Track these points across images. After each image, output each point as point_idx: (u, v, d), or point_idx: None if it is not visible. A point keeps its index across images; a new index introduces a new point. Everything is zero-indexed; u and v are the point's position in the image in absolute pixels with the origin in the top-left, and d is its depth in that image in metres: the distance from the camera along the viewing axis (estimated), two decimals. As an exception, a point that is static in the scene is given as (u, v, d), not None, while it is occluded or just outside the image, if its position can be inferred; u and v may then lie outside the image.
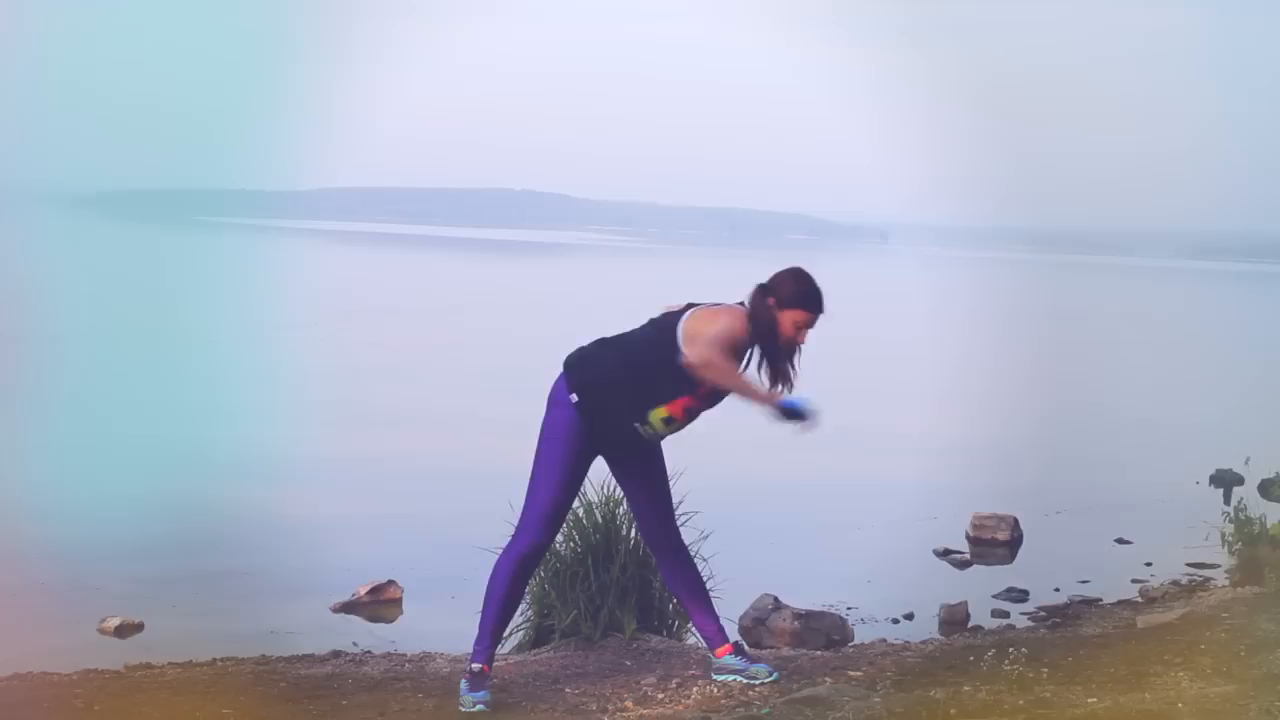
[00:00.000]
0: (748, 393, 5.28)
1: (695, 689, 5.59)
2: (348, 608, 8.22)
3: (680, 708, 5.38)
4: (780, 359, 5.37)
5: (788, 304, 5.34)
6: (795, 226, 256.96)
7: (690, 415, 5.40)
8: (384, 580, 8.43)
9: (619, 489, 6.27)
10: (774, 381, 5.39)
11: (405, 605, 8.34)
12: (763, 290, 5.36)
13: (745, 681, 5.59)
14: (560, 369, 5.46)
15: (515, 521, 5.56)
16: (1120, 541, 10.53)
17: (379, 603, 8.29)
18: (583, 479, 5.60)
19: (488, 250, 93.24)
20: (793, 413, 5.29)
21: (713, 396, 5.37)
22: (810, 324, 5.39)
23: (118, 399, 16.95)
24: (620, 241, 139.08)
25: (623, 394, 5.33)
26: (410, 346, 24.81)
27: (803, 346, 5.42)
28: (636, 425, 5.36)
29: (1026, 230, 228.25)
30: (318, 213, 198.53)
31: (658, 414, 5.34)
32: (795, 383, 5.41)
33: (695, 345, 5.23)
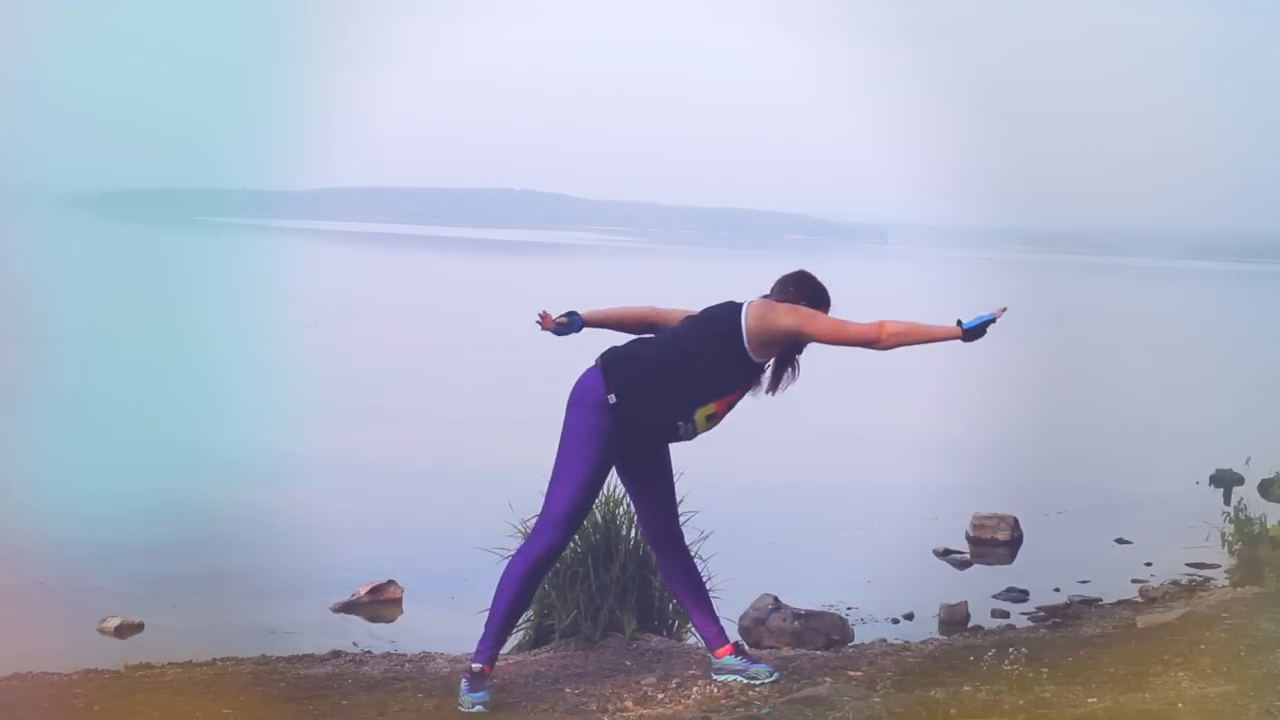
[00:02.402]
0: (940, 337, 5.27)
1: (695, 689, 5.59)
2: (348, 608, 8.21)
3: (680, 708, 5.38)
4: (793, 356, 5.51)
5: (811, 304, 5.46)
6: (795, 226, 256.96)
7: (727, 411, 5.47)
8: (384, 580, 8.42)
9: (619, 488, 6.28)
10: (775, 382, 5.49)
11: (405, 605, 8.32)
12: (787, 289, 5.49)
13: (745, 682, 5.59)
14: (578, 369, 5.41)
15: (515, 522, 5.56)
16: (1120, 541, 10.53)
17: (379, 603, 8.29)
18: (604, 482, 5.55)
19: (488, 250, 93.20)
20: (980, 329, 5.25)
21: (743, 392, 5.45)
22: None
23: (118, 399, 16.94)
24: (620, 241, 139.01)
25: (668, 391, 5.30)
26: (410, 346, 24.80)
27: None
28: (680, 424, 5.36)
29: (1026, 230, 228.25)
30: (318, 213, 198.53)
31: (704, 411, 5.35)
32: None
33: (786, 316, 5.34)
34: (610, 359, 5.36)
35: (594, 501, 5.61)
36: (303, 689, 5.64)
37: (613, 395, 5.27)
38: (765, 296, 5.51)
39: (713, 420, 5.43)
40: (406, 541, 9.76)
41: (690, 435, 5.44)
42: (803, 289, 5.52)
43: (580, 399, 5.34)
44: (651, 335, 5.59)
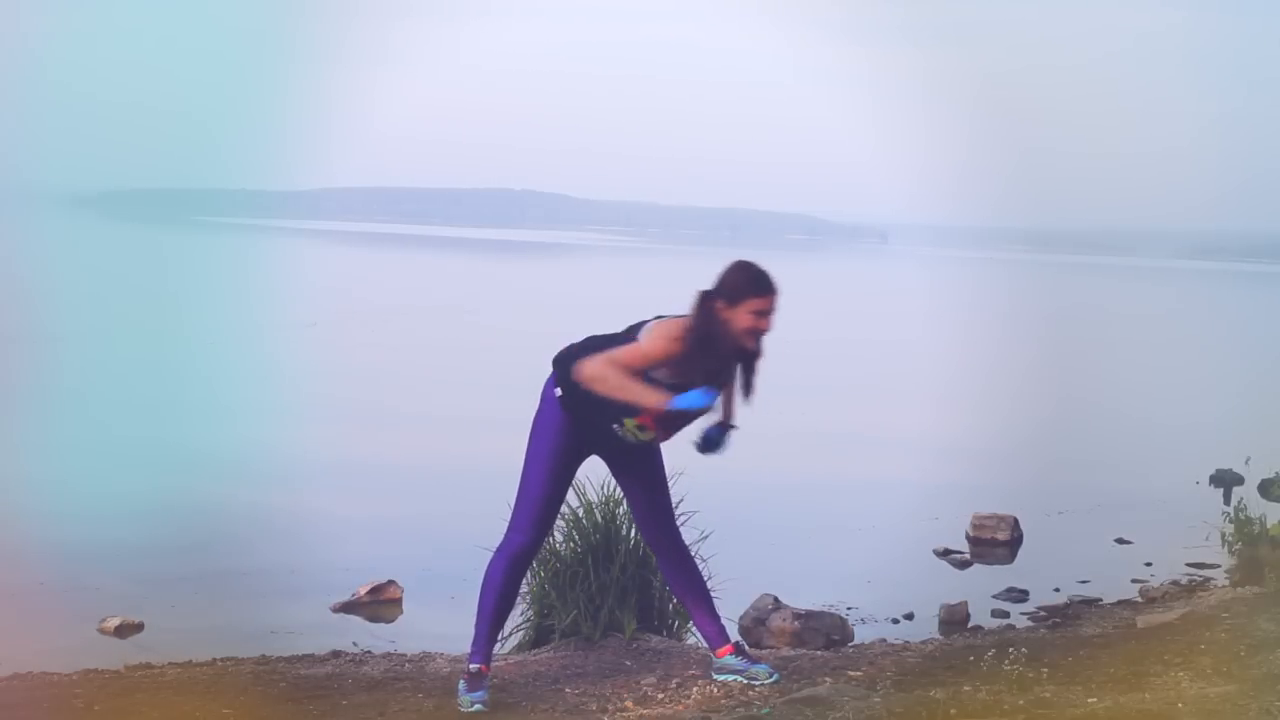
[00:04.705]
0: (639, 402, 5.12)
1: (695, 689, 5.59)
2: (348, 608, 8.22)
3: (680, 708, 5.38)
4: (728, 361, 5.22)
5: (740, 297, 5.15)
6: (795, 226, 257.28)
7: (667, 427, 5.29)
8: (384, 580, 8.43)
9: (619, 489, 6.28)
10: (746, 389, 5.30)
11: (405, 605, 8.33)
12: (707, 295, 5.17)
13: (745, 682, 5.59)
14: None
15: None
16: (1120, 541, 10.53)
17: (379, 603, 8.29)
18: (572, 477, 5.57)
19: (488, 250, 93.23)
20: (691, 412, 5.14)
21: (680, 413, 5.22)
22: (768, 308, 5.15)
23: (118, 399, 16.94)
24: (620, 241, 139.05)
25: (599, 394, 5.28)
26: (410, 346, 24.81)
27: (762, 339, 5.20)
28: (615, 427, 5.30)
29: (1026, 230, 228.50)
30: (318, 213, 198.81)
31: (631, 421, 5.27)
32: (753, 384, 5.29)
33: (596, 359, 5.13)
34: (560, 355, 5.37)
35: (564, 496, 5.61)
36: (303, 689, 5.64)
37: (559, 389, 5.32)
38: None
39: (645, 431, 5.28)
40: (406, 541, 9.77)
41: (633, 440, 5.35)
42: (729, 289, 5.16)
43: (543, 395, 5.41)
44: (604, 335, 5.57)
